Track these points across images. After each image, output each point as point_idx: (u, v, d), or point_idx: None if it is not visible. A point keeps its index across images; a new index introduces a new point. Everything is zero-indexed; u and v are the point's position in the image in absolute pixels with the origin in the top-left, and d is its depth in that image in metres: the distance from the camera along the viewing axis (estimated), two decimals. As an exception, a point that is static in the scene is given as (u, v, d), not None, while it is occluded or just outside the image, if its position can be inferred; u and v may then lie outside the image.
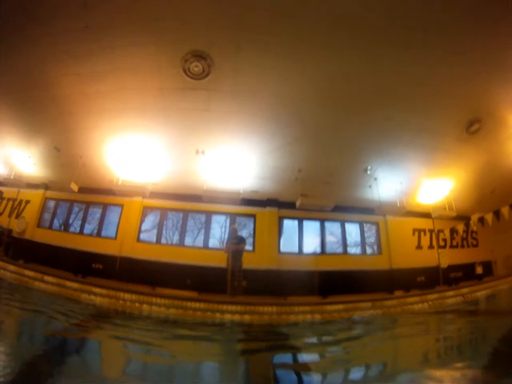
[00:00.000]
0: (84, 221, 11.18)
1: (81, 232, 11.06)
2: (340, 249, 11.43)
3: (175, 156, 8.73)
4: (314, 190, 9.54)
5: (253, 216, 10.88)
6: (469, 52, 6.06)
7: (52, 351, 2.85)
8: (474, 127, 7.99)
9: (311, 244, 11.19)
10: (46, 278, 6.34)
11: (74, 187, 9.16)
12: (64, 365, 2.49)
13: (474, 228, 11.61)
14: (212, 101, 6.95)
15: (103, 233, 10.89)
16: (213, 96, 6.84)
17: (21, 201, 11.37)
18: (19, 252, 10.13)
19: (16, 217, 11.16)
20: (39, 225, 11.10)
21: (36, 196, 11.28)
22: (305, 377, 2.73)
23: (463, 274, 11.79)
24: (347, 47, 5.82)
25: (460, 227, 11.30)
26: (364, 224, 11.86)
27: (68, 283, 6.14)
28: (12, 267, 7.03)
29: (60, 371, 2.28)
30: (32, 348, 2.85)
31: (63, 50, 6.05)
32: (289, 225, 11.21)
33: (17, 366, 2.18)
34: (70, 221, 11.35)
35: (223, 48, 5.88)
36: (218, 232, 11.21)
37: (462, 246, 12.98)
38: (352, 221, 11.68)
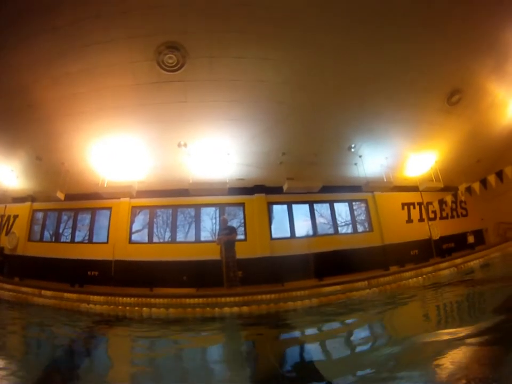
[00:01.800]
0: (74, 228, 11.06)
1: (72, 240, 10.95)
2: (331, 230, 11.54)
3: (157, 151, 8.69)
4: (300, 172, 9.58)
5: (242, 204, 10.91)
6: (446, 25, 6.20)
7: (58, 363, 2.82)
8: (455, 97, 8.13)
9: (302, 227, 11.24)
10: (44, 292, 6.30)
11: (60, 195, 9.03)
12: (72, 374, 2.46)
13: (463, 198, 11.68)
14: (189, 92, 6.94)
15: (95, 238, 10.78)
16: (189, 87, 6.82)
17: (9, 216, 11.14)
18: (13, 269, 9.99)
19: (6, 234, 10.94)
20: (29, 238, 10.91)
21: (23, 209, 11.08)
22: (308, 356, 2.74)
23: (456, 244, 12.00)
24: (326, 28, 5.86)
25: (448, 198, 11.37)
26: (353, 203, 11.97)
27: (66, 295, 6.11)
28: (8, 286, 6.94)
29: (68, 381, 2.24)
30: (39, 362, 2.82)
31: (33, 54, 5.98)
32: (279, 210, 11.25)
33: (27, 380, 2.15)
34: (60, 231, 11.21)
35: (197, 37, 5.88)
36: (209, 224, 11.22)
37: (452, 217, 13.19)
38: (341, 200, 11.79)
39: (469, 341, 2.24)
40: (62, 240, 11.12)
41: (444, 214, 12.98)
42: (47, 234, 11.19)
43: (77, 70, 6.32)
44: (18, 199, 10.78)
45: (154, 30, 5.68)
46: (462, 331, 2.59)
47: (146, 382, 2.41)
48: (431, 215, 12.57)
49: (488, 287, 5.02)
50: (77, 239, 10.96)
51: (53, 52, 5.90)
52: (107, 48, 5.91)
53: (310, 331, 3.75)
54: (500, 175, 9.02)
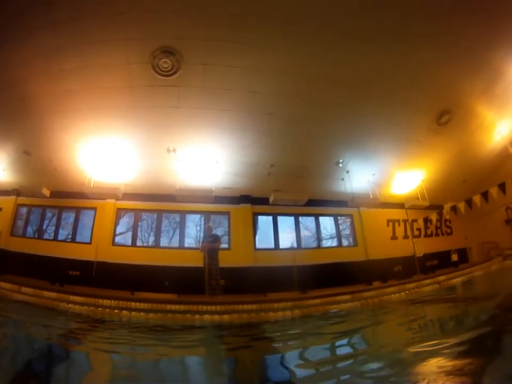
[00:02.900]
0: (57, 226, 10.93)
1: (55, 238, 10.80)
2: (315, 243, 11.58)
3: (146, 155, 8.68)
4: (287, 184, 9.63)
5: (227, 213, 10.92)
6: (438, 47, 6.32)
7: (34, 363, 2.77)
8: (444, 118, 8.26)
9: (287, 239, 11.27)
10: (23, 289, 6.17)
11: (46, 192, 8.96)
12: (48, 376, 2.41)
13: (447, 217, 11.91)
14: (182, 98, 6.96)
15: (78, 238, 10.67)
16: (183, 93, 6.85)
17: (-8, 209, 10.97)
18: (-6, 263, 9.80)
19: (-12, 226, 10.76)
20: (12, 233, 10.70)
21: (7, 203, 10.88)
22: (287, 369, 2.74)
23: (439, 262, 12.16)
24: (318, 42, 5.95)
25: (433, 216, 11.56)
26: (338, 217, 12.03)
27: (46, 293, 6.00)
28: None
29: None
30: (15, 361, 2.77)
31: (28, 49, 5.94)
32: (264, 221, 11.29)
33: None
34: (44, 227, 11.07)
35: (193, 43, 5.92)
36: (194, 231, 11.17)
37: (437, 235, 13.37)
38: (326, 214, 11.84)
39: (448, 352, 2.27)
40: (45, 237, 10.95)
41: (429, 232, 13.15)
42: (30, 230, 11.03)
43: (72, 67, 6.30)
44: (3, 192, 10.63)
45: (151, 33, 5.71)
46: (442, 343, 2.62)
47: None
48: (416, 233, 12.72)
49: (469, 303, 5.08)
50: (60, 237, 10.83)
51: (49, 47, 5.88)
52: (103, 48, 5.92)
53: (290, 343, 3.73)
54: (485, 195, 9.22)
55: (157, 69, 6.25)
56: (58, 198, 10.33)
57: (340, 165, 9.53)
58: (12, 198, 10.81)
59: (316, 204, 11.18)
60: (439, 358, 2.12)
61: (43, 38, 5.70)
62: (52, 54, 6.01)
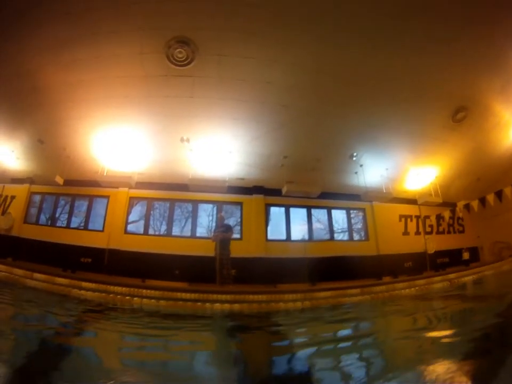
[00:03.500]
0: (70, 214, 11.05)
1: (68, 226, 10.93)
2: (327, 236, 11.51)
3: (159, 144, 8.69)
4: (300, 176, 9.59)
5: (240, 204, 10.91)
6: (456, 41, 6.16)
7: (45, 348, 2.81)
8: (460, 115, 8.11)
9: (299, 230, 11.23)
10: (36, 275, 6.23)
11: (59, 180, 9.04)
12: (58, 361, 2.45)
13: (460, 215, 11.78)
14: (196, 88, 6.92)
15: (90, 226, 10.77)
16: (197, 83, 6.81)
17: (6, 197, 11.12)
18: (7, 249, 9.95)
19: (2, 213, 10.92)
20: (25, 221, 10.89)
21: (21, 191, 11.06)
22: (296, 360, 2.74)
23: (450, 260, 12.02)
24: (335, 35, 5.85)
25: (446, 213, 11.43)
26: (351, 211, 11.95)
27: (57, 279, 6.05)
28: (1, 266, 6.90)
29: (54, 368, 2.22)
30: (26, 346, 2.80)
31: (43, 39, 5.95)
32: (276, 213, 11.26)
33: (12, 364, 2.13)
34: (57, 215, 11.20)
35: (208, 34, 5.85)
36: (206, 220, 11.20)
37: (449, 232, 13.20)
38: (339, 208, 11.76)
39: (459, 353, 2.25)
40: (57, 224, 11.09)
41: (441, 229, 13.01)
42: (43, 218, 11.17)
43: (85, 57, 6.30)
44: (17, 180, 10.76)
45: (165, 24, 5.65)
46: (452, 343, 2.61)
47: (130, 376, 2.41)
48: (428, 229, 12.59)
49: (478, 303, 5.03)
50: (72, 225, 10.94)
51: (63, 37, 5.86)
52: (117, 38, 5.90)
53: (300, 334, 3.73)
54: (499, 194, 9.07)
55: (171, 59, 6.21)
56: (71, 186, 10.44)
57: (354, 159, 9.45)
58: (26, 186, 10.97)
59: (328, 197, 11.11)
60: (445, 361, 2.10)
61: (56, 29, 5.69)
62: (65, 44, 6.00)
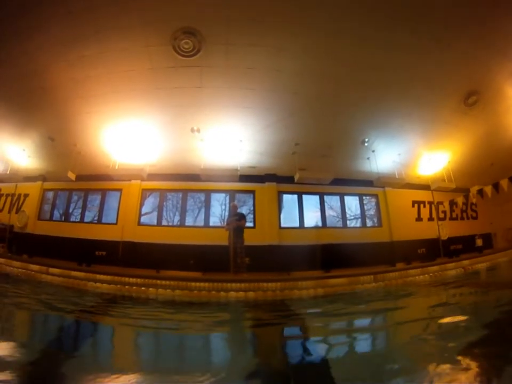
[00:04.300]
0: (83, 209, 11.19)
1: (82, 220, 11.09)
2: (340, 223, 11.50)
3: (170, 135, 8.71)
4: (312, 163, 9.55)
5: (252, 192, 10.92)
6: (468, 26, 6.02)
7: (63, 339, 2.88)
8: (472, 98, 7.97)
9: (311, 218, 11.22)
10: (51, 270, 6.37)
11: (71, 176, 9.15)
12: (76, 351, 2.51)
13: (474, 200, 11.63)
14: (205, 77, 6.88)
15: (104, 219, 10.91)
16: (205, 72, 6.76)
17: (19, 195, 11.35)
18: (22, 246, 10.19)
19: (16, 212, 11.14)
20: (39, 217, 11.11)
21: (34, 189, 11.26)
22: (311, 347, 2.75)
23: (463, 246, 11.98)
24: (344, 19, 5.73)
25: (459, 199, 11.32)
26: (363, 197, 11.90)
27: (73, 273, 6.19)
28: (16, 263, 7.04)
29: (72, 358, 2.28)
30: (44, 338, 2.88)
31: (48, 38, 5.94)
32: (289, 200, 11.24)
33: (31, 355, 2.18)
34: (70, 210, 11.35)
35: (214, 23, 5.77)
36: (219, 210, 11.24)
37: (462, 218, 13.15)
38: (351, 194, 11.72)
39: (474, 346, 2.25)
40: (71, 219, 11.26)
41: (454, 215, 12.94)
42: (56, 214, 11.37)
43: (92, 53, 6.29)
44: (29, 178, 10.89)
45: (170, 15, 5.59)
46: (467, 333, 2.61)
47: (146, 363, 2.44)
48: (441, 215, 12.52)
49: (493, 290, 4.99)
50: (86, 219, 11.10)
51: (68, 35, 5.87)
52: (123, 32, 5.86)
53: (313, 321, 3.74)
54: (513, 180, 8.93)
55: (178, 50, 6.16)
56: (83, 181, 10.56)
57: (366, 144, 9.36)
58: (38, 183, 11.17)
59: (341, 183, 11.05)
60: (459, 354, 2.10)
61: (61, 27, 5.68)
62: (69, 42, 6.00)
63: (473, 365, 1.88)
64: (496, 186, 9.50)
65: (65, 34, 5.85)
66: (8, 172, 10.07)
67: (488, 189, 9.71)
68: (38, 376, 1.86)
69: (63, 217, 11.31)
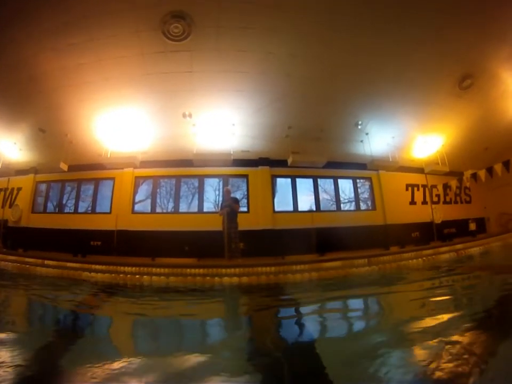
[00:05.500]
0: (77, 199, 11.12)
1: (75, 211, 11.03)
2: (334, 206, 11.53)
3: (162, 121, 8.66)
4: (305, 146, 9.55)
5: (246, 176, 10.88)
6: (461, 8, 6.01)
7: (62, 330, 2.91)
8: (467, 82, 8.00)
9: (305, 201, 11.20)
10: (47, 262, 6.39)
11: (63, 167, 9.11)
12: (75, 340, 2.53)
13: (467, 184, 11.69)
14: (195, 62, 6.84)
15: (98, 209, 10.85)
16: (195, 57, 6.72)
17: (12, 189, 11.29)
18: (17, 241, 10.18)
19: (10, 206, 11.09)
20: (33, 210, 11.05)
21: (26, 182, 11.18)
22: (305, 329, 2.80)
23: (457, 230, 12.09)
24: (336, 5, 5.72)
25: (453, 183, 11.37)
26: (357, 180, 11.91)
27: (69, 264, 6.21)
28: (12, 257, 7.05)
29: (71, 348, 2.30)
30: (43, 328, 2.92)
31: (35, 26, 5.87)
32: (282, 184, 11.22)
33: (31, 346, 2.21)
34: (64, 202, 11.29)
35: (203, 6, 5.70)
36: (212, 195, 11.22)
37: (456, 202, 13.24)
38: (345, 177, 11.71)
39: (464, 326, 2.30)
40: (65, 211, 11.21)
41: (448, 199, 13.02)
42: (50, 206, 11.32)
43: (80, 41, 6.22)
44: (21, 171, 10.83)
45: (158, -1, 5.53)
46: (457, 316, 2.68)
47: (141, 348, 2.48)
48: (435, 199, 12.60)
49: (486, 275, 5.03)
50: (80, 210, 11.04)
51: (56, 23, 5.79)
52: (112, 18, 5.79)
53: (306, 305, 3.76)
54: (506, 164, 8.98)
55: (167, 35, 6.10)
56: (76, 171, 10.48)
57: (359, 127, 9.38)
58: (30, 176, 11.10)
59: (334, 166, 11.06)
60: (450, 335, 2.12)
61: (48, 15, 5.62)
62: (58, 30, 5.92)
63: (465, 344, 1.92)
64: (490, 170, 9.54)
65: (53, 22, 5.78)
66: (0, 167, 9.98)
67: (482, 173, 9.75)
68: (35, 369, 1.87)
69: (57, 209, 11.26)
